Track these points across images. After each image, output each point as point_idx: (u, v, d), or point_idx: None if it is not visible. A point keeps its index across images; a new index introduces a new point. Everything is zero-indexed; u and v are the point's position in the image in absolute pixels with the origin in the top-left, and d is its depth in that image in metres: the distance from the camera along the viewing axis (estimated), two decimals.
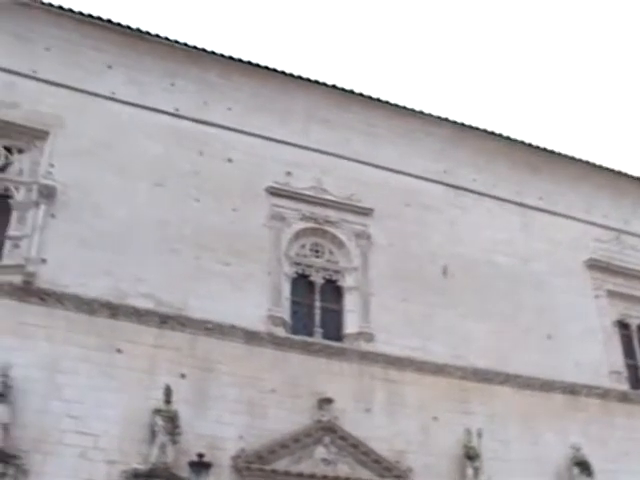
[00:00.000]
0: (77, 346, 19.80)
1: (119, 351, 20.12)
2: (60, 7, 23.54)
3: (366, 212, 24.80)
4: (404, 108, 26.61)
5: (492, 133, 27.87)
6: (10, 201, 21.39)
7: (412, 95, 62.89)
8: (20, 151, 22.14)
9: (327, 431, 21.04)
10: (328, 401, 21.22)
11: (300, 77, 25.45)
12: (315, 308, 23.20)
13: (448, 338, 24.07)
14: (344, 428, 21.24)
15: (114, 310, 20.60)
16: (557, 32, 68.95)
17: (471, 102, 64.88)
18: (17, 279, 20.07)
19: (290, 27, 65.83)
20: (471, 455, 22.19)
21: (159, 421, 19.37)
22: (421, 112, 26.83)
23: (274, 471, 20.33)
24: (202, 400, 20.40)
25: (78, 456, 18.65)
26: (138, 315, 20.77)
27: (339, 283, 23.83)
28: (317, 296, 23.40)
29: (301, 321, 22.93)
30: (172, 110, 23.97)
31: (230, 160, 23.90)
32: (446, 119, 27.13)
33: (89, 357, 19.77)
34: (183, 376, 20.43)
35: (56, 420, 18.76)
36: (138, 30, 24.17)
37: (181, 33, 50.68)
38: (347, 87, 25.94)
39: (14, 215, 21.19)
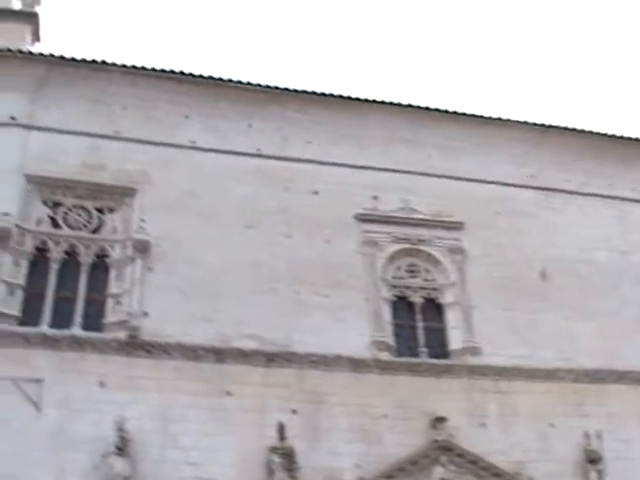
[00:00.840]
0: (187, 394, 20.13)
1: (229, 394, 20.39)
2: (133, 66, 24.17)
3: (457, 226, 24.64)
4: (481, 117, 26.35)
5: (576, 130, 27.38)
6: (107, 260, 21.98)
7: (484, 102, 62.43)
8: (111, 210, 22.73)
9: (443, 450, 20.85)
10: (441, 420, 21.05)
11: (374, 101, 25.48)
12: (418, 328, 23.09)
13: (554, 342, 23.61)
14: (460, 445, 21.04)
15: (220, 354, 20.91)
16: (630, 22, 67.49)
17: (545, 102, 63.97)
18: (122, 335, 20.66)
19: (339, 50, 66.25)
20: (593, 458, 21.70)
21: (276, 458, 19.53)
22: (499, 119, 26.50)
23: None
24: (315, 433, 20.50)
25: None
26: (244, 356, 21.02)
27: (439, 300, 23.68)
28: (418, 316, 23.27)
29: (405, 343, 22.82)
30: (254, 151, 24.32)
31: (316, 192, 24.09)
32: (525, 122, 26.77)
33: (200, 403, 20.09)
34: (294, 411, 20.56)
35: (174, 468, 19.15)
36: (211, 78, 24.62)
37: (250, 74, 51.50)
38: (422, 104, 25.85)
39: (112, 273, 21.81)
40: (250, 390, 20.57)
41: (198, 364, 20.71)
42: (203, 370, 20.64)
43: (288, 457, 19.59)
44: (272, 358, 21.17)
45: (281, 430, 19.99)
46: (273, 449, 19.70)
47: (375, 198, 24.42)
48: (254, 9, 69.72)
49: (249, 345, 21.25)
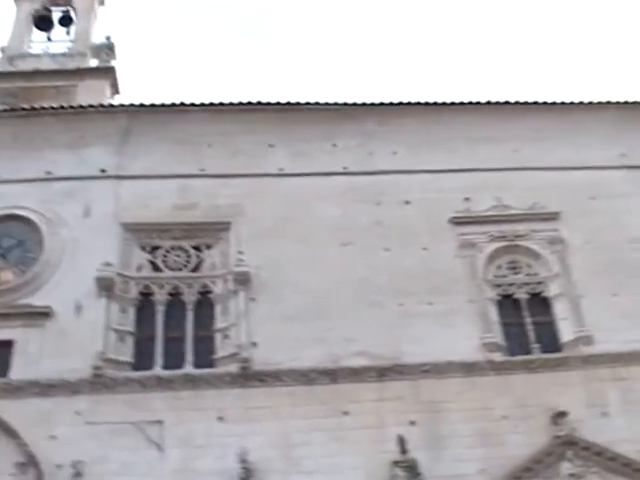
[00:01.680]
0: (304, 418, 20.21)
1: (345, 413, 20.40)
2: (211, 103, 24.75)
3: (553, 216, 24.15)
4: (564, 104, 25.84)
5: None
6: (211, 296, 22.34)
7: (563, 88, 61.31)
8: (208, 247, 23.13)
9: (568, 445, 20.33)
10: (562, 414, 20.58)
11: (453, 103, 25.36)
12: (526, 325, 22.65)
13: None
14: (584, 438, 20.47)
15: (332, 375, 20.98)
16: None
17: (623, 80, 62.54)
18: (235, 367, 20.97)
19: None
20: None
21: (399, 472, 19.42)
22: (581, 102, 25.93)
23: None
24: (436, 442, 20.27)
25: None
26: (356, 374, 21.02)
27: (544, 294, 23.20)
28: (525, 312, 22.82)
29: (515, 341, 22.41)
30: (340, 169, 24.43)
31: (408, 202, 24.01)
32: (610, 102, 26.08)
33: (318, 425, 20.13)
34: (412, 423, 20.39)
35: None
36: (289, 104, 24.96)
37: (322, 95, 51.99)
38: (501, 100, 25.56)
39: (217, 308, 22.18)
40: (366, 407, 20.51)
41: (312, 387, 20.81)
42: (317, 392, 20.72)
43: (412, 469, 19.44)
44: (384, 372, 21.09)
45: (402, 443, 19.86)
46: (396, 463, 19.56)
47: (467, 199, 24.19)
48: (300, 30, 70.24)
49: (360, 362, 21.23)
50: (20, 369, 20.75)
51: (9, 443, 19.59)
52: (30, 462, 19.27)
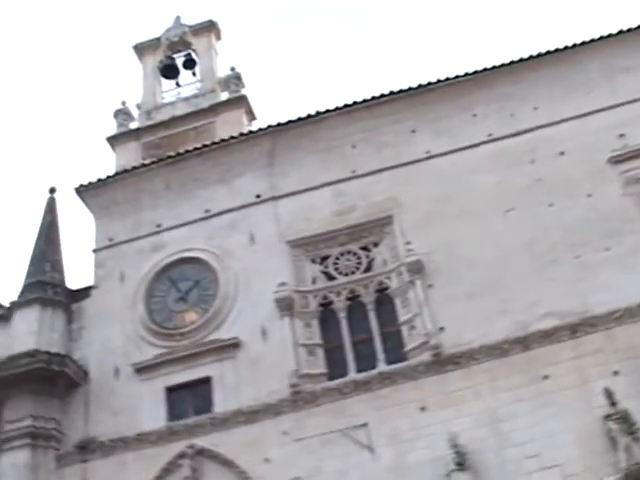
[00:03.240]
0: (505, 391, 20.09)
1: (546, 377, 20.08)
2: (345, 105, 25.02)
3: None
4: None
5: None
6: (388, 292, 22.49)
7: None
8: (375, 244, 23.28)
9: None
10: None
11: (584, 42, 24.53)
12: None
13: None
14: None
15: (524, 342, 20.74)
16: None
17: None
18: (427, 356, 21.07)
19: None
20: None
21: (613, 425, 18.90)
22: None
23: None
24: None
25: None
26: (548, 336, 20.68)
27: None
28: None
29: None
30: (486, 138, 24.06)
31: (562, 153, 23.33)
32: None
33: (520, 396, 19.95)
34: (616, 373, 19.79)
35: (517, 466, 19.10)
36: (422, 86, 24.86)
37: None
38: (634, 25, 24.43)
39: (397, 302, 22.28)
40: (565, 367, 20.14)
41: (507, 359, 20.63)
42: (513, 363, 20.51)
43: (625, 420, 18.83)
44: (576, 328, 20.62)
45: (609, 396, 19.28)
46: (607, 417, 19.05)
47: (622, 136, 23.19)
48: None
49: (549, 323, 20.85)
50: (222, 402, 21.62)
51: (228, 473, 20.49)
52: None
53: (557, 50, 24.62)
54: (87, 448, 21.74)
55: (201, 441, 21.01)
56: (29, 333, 22.98)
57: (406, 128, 24.72)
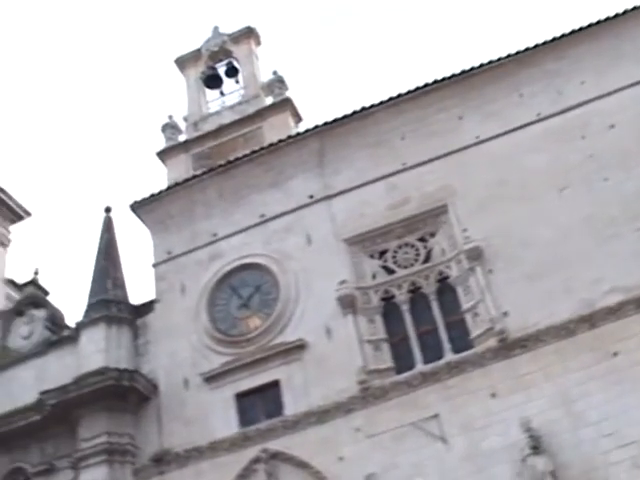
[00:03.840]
0: (576, 370, 19.85)
1: (615, 354, 19.79)
2: (390, 98, 24.93)
3: None
4: None
5: None
6: (449, 281, 22.37)
7: None
8: (432, 234, 23.16)
9: None
10: None
11: (626, 11, 24.06)
12: None
13: None
14: None
15: (591, 320, 20.47)
16: None
17: None
18: (493, 342, 20.91)
19: None
20: None
21: None
22: None
23: None
24: None
25: (631, 468, 18.43)
26: (614, 312, 20.37)
27: None
28: None
29: None
30: (535, 118, 23.74)
31: (612, 126, 22.85)
32: None
33: (592, 374, 19.68)
34: None
35: (593, 446, 18.85)
36: (465, 72, 24.67)
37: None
38: None
39: (459, 290, 22.15)
40: (634, 341, 19.82)
41: (574, 338, 20.36)
42: (581, 342, 20.24)
43: None
44: None
45: None
46: None
47: None
48: None
49: (615, 299, 20.51)
50: (292, 404, 21.72)
51: (303, 475, 20.59)
52: None
53: (600, 22, 24.19)
54: (162, 460, 22.06)
55: (274, 445, 21.12)
56: (97, 351, 23.38)
57: (453, 115, 24.52)
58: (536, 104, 23.94)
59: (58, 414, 22.88)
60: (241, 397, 22.44)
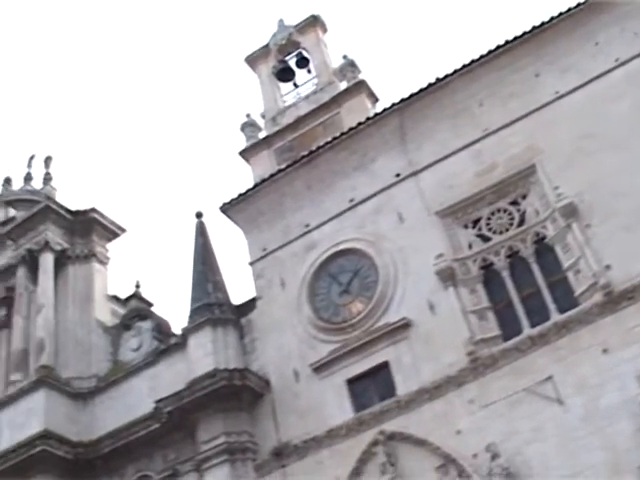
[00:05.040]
0: None
1: None
2: (464, 65, 24.68)
3: None
4: None
5: None
6: (546, 241, 22.05)
7: None
8: (524, 197, 22.86)
9: None
10: None
11: None
12: None
13: None
14: None
15: None
16: None
17: None
18: (599, 296, 20.47)
19: None
20: None
21: None
22: None
23: None
24: None
25: None
26: None
27: None
28: None
29: None
30: (614, 64, 22.97)
31: None
32: None
33: None
34: None
35: None
36: (534, 28, 24.16)
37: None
38: None
39: (558, 249, 21.82)
40: None
41: None
42: None
43: None
44: None
45: None
46: None
47: None
48: None
49: None
50: (404, 384, 21.75)
51: (423, 452, 20.57)
52: (448, 461, 20.16)
53: None
54: (282, 454, 22.33)
55: (390, 426, 21.17)
56: (206, 355, 23.77)
57: (529, 74, 24.11)
58: (613, 50, 23.26)
59: (175, 420, 23.44)
60: (352, 382, 22.55)
